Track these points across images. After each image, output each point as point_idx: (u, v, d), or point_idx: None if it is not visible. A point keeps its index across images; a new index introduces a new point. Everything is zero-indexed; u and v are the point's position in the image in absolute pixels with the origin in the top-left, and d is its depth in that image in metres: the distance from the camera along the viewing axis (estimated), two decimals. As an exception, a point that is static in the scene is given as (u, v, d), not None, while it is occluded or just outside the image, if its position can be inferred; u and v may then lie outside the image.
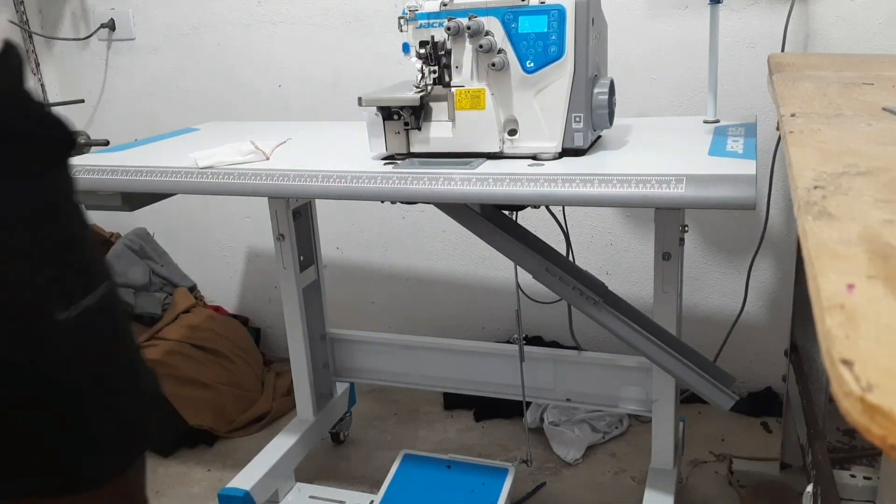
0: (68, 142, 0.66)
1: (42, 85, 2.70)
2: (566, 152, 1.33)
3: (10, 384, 0.59)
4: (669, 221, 1.52)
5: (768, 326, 2.20)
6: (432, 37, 1.33)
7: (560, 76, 1.29)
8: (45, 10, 2.71)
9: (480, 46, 1.30)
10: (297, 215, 1.92)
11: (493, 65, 1.30)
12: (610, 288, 1.51)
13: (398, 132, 1.38)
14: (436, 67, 1.34)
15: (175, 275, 2.71)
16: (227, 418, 2.33)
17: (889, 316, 0.37)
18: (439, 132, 1.36)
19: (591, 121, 1.32)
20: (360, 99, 1.36)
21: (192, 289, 2.75)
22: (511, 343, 1.84)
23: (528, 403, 2.15)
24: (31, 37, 2.66)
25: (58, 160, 0.66)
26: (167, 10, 2.55)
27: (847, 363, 0.34)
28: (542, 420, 2.19)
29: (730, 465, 1.96)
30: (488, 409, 2.31)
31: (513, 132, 1.34)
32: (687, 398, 2.11)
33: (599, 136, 1.45)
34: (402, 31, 1.36)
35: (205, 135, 1.88)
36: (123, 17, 2.60)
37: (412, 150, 1.38)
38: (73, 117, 2.77)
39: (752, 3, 1.96)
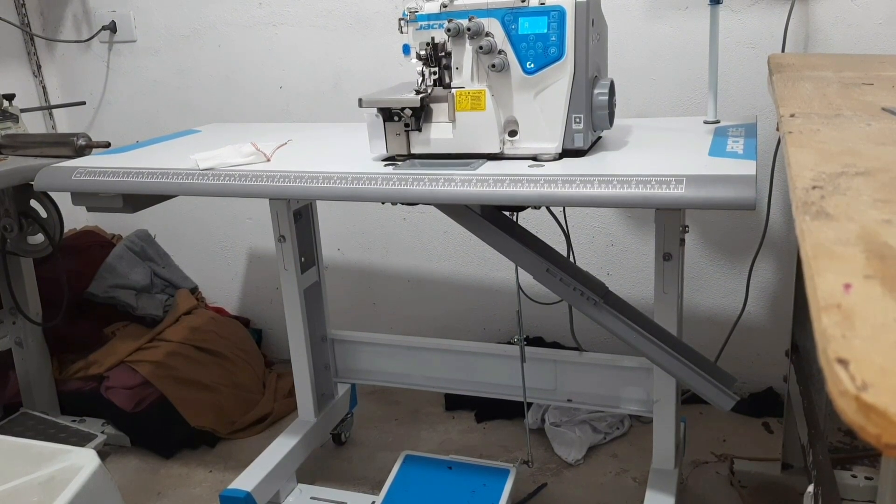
0: None
1: (43, 87, 2.71)
2: (566, 153, 1.33)
3: None
4: (670, 222, 1.53)
5: (769, 327, 2.20)
6: (432, 38, 1.34)
7: (560, 77, 1.29)
8: (47, 13, 2.72)
9: (480, 48, 1.30)
10: (298, 217, 1.92)
11: (494, 66, 1.30)
12: (610, 288, 1.51)
13: (399, 133, 1.38)
14: (436, 69, 1.35)
15: (176, 276, 2.71)
16: (229, 419, 2.33)
17: (885, 315, 0.37)
18: (440, 133, 1.36)
19: (592, 121, 1.33)
20: (360, 100, 1.37)
21: (194, 290, 2.75)
22: (512, 344, 1.84)
23: (530, 404, 2.15)
24: (32, 39, 2.67)
25: None
26: (168, 13, 2.55)
27: (843, 362, 0.34)
28: (543, 421, 2.19)
29: (731, 465, 1.96)
30: (489, 409, 2.31)
31: (513, 133, 1.34)
32: (688, 399, 2.11)
33: (600, 137, 1.46)
34: (402, 32, 1.37)
35: (206, 136, 1.89)
36: (125, 20, 2.61)
37: (413, 151, 1.38)
38: (75, 119, 2.78)
39: (752, 3, 1.96)
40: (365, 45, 2.35)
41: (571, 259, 1.62)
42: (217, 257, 2.77)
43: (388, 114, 1.37)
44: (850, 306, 0.39)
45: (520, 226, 1.51)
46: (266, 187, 1.36)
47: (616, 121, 1.40)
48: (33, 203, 2.11)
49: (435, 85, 1.35)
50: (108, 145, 1.95)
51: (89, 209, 1.59)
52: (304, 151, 1.58)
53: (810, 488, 1.25)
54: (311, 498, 1.94)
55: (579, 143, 1.32)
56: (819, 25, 1.92)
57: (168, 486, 2.11)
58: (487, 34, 1.30)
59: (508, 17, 1.29)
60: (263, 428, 2.36)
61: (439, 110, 1.35)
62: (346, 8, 2.34)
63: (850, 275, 0.43)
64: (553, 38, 1.28)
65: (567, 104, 1.30)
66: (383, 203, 1.39)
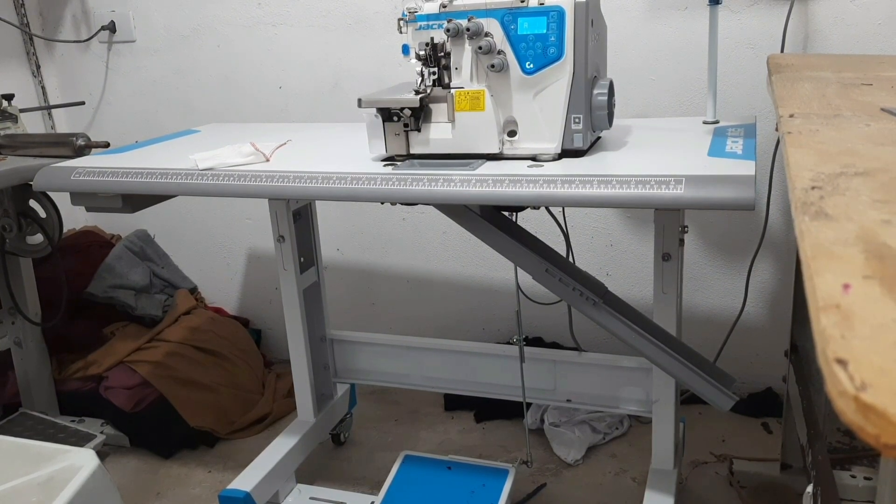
0: None
1: (43, 87, 2.71)
2: (566, 153, 1.33)
3: None
4: (669, 222, 1.53)
5: (768, 327, 2.20)
6: (432, 38, 1.34)
7: (559, 77, 1.29)
8: (46, 13, 2.71)
9: (480, 48, 1.30)
10: (297, 217, 1.92)
11: (493, 66, 1.30)
12: (610, 289, 1.51)
13: (398, 133, 1.38)
14: (435, 69, 1.34)
15: (176, 276, 2.71)
16: (228, 420, 2.33)
17: (884, 316, 0.37)
18: (439, 133, 1.36)
19: (591, 122, 1.33)
20: (359, 100, 1.37)
21: (193, 290, 2.75)
22: (511, 344, 1.84)
23: (529, 404, 2.15)
24: (31, 39, 2.67)
25: None
26: (167, 13, 2.55)
27: (841, 362, 0.34)
28: (542, 421, 2.19)
29: (730, 465, 1.96)
30: (489, 410, 2.31)
31: (512, 133, 1.34)
32: (687, 399, 2.11)
33: (599, 137, 1.46)
34: (401, 32, 1.37)
35: (205, 136, 1.88)
36: (124, 20, 2.61)
37: (412, 151, 1.38)
38: (74, 119, 2.78)
39: (751, 4, 1.96)
40: (364, 45, 2.35)
41: (571, 259, 1.62)
42: (216, 257, 2.77)
43: (387, 114, 1.37)
44: (849, 306, 0.39)
45: (519, 226, 1.51)
46: (265, 187, 1.36)
47: (615, 121, 1.40)
48: (32, 203, 2.11)
49: (434, 85, 1.35)
50: (107, 145, 1.95)
51: (88, 209, 1.59)
52: (304, 151, 1.58)
53: (809, 488, 1.25)
54: (311, 498, 1.94)
55: (578, 143, 1.32)
56: (818, 26, 1.92)
57: (167, 486, 2.11)
58: (487, 34, 1.30)
59: (508, 18, 1.29)
60: (262, 428, 2.36)
61: (438, 110, 1.35)
62: (345, 8, 2.34)
63: (849, 275, 0.43)
64: (552, 39, 1.28)
65: (566, 104, 1.30)
66: (382, 203, 1.39)
